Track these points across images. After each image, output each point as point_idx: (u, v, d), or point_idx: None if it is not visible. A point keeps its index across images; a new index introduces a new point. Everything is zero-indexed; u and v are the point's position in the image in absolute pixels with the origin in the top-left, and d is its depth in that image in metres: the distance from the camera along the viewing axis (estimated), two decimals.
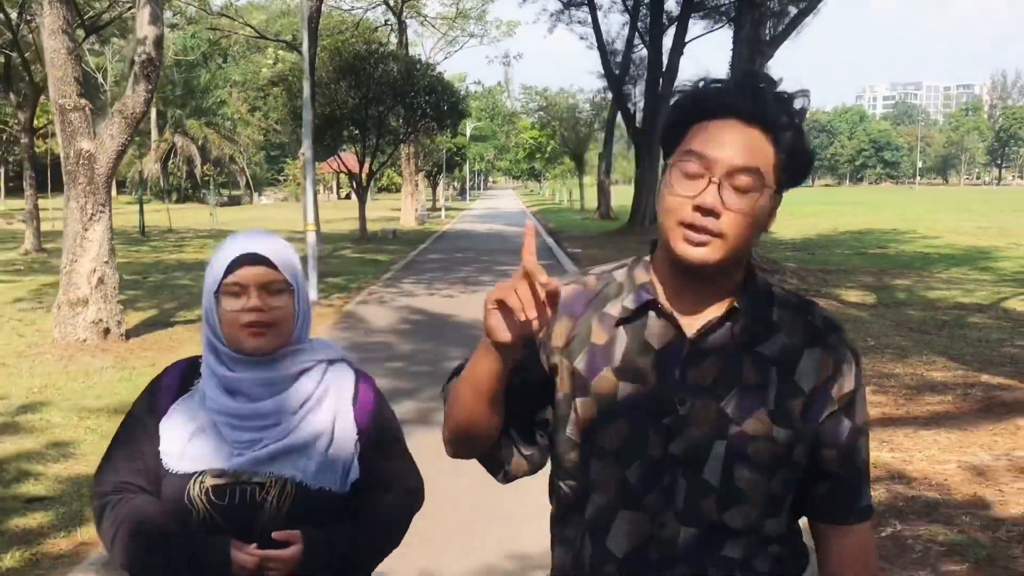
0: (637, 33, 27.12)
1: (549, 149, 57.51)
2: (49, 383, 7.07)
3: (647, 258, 1.38)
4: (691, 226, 1.23)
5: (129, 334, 8.97)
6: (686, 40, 24.34)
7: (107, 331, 8.55)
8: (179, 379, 1.70)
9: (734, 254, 1.26)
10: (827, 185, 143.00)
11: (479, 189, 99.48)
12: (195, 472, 1.57)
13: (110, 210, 8.78)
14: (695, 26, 25.78)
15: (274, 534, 1.54)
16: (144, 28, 8.62)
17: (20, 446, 5.40)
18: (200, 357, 1.69)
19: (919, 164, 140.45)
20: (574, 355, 1.35)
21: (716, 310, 1.31)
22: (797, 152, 1.27)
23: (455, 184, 73.04)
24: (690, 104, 1.29)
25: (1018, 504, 4.38)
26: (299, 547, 1.53)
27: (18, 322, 10.27)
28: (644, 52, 26.73)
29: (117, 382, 7.17)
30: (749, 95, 1.25)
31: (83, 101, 8.57)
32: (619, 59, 28.12)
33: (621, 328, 1.33)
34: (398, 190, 61.53)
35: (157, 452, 1.61)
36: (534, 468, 1.43)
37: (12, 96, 20.31)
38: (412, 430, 5.71)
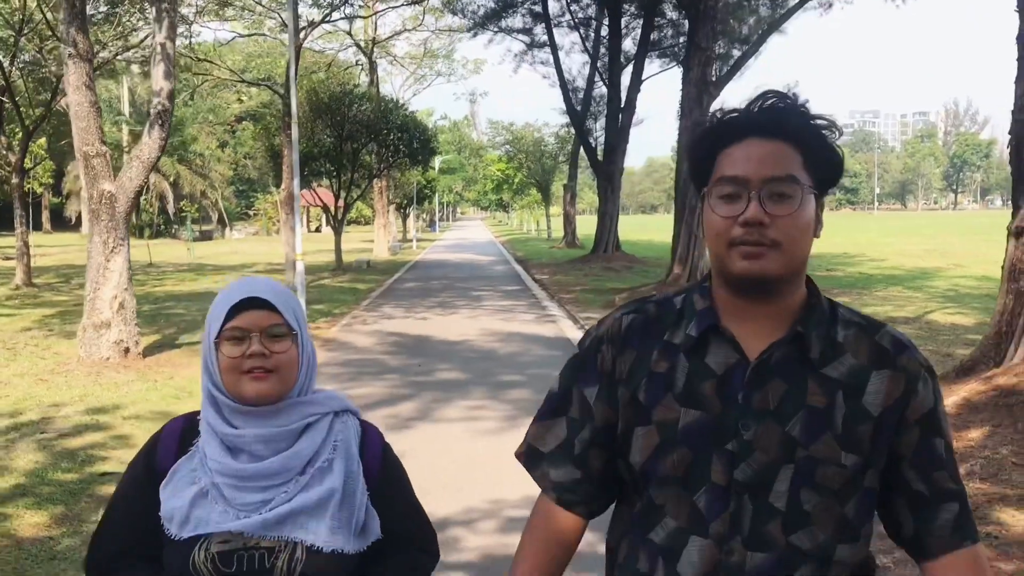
0: (597, 72, 28.66)
1: (516, 180, 59.04)
2: (87, 393, 8.13)
3: (705, 284, 1.39)
4: (743, 243, 1.25)
5: (144, 353, 10.03)
6: (643, 78, 25.87)
7: (127, 350, 9.62)
8: (177, 439, 1.64)
9: (791, 264, 1.27)
10: None
11: (448, 220, 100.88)
12: (199, 538, 1.51)
13: (128, 244, 9.87)
14: (651, 64, 27.36)
15: None
16: (159, 82, 9.80)
17: (87, 439, 6.50)
18: (198, 413, 1.64)
19: (876, 190, 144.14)
20: (635, 385, 1.35)
21: (778, 332, 1.30)
22: (823, 153, 1.29)
23: (424, 216, 74.28)
24: (712, 135, 1.32)
25: None
26: None
27: (35, 347, 11.26)
28: (604, 89, 28.23)
29: (145, 391, 8.25)
30: (764, 112, 1.29)
31: (104, 148, 9.69)
32: (581, 96, 29.67)
33: (682, 355, 1.33)
34: (367, 222, 62.78)
35: (157, 517, 1.55)
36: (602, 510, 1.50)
37: (3, 138, 21.21)
38: (415, 424, 7.00)
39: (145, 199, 55.13)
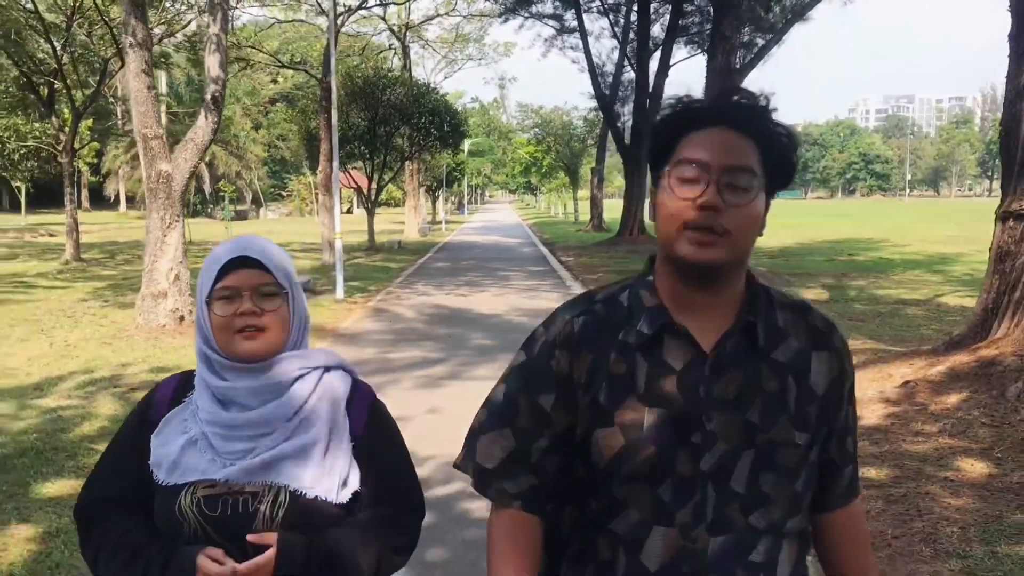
0: (626, 58, 29.13)
1: (545, 164, 59.56)
2: (149, 355, 8.94)
3: (649, 278, 1.40)
4: (696, 228, 1.27)
5: None
6: (670, 64, 26.32)
7: (182, 318, 10.43)
8: (172, 392, 1.69)
9: (739, 253, 1.30)
10: (819, 198, 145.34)
11: (476, 203, 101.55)
12: (185, 484, 1.55)
13: (183, 220, 10.67)
14: (679, 51, 27.79)
15: (249, 537, 1.52)
16: (214, 70, 10.55)
17: None
18: (195, 371, 1.68)
19: (908, 176, 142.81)
20: (595, 388, 1.35)
21: (727, 321, 1.34)
22: (781, 155, 1.32)
23: (453, 198, 75.07)
24: (680, 117, 1.34)
25: (872, 417, 6.25)
26: (272, 550, 1.51)
27: (93, 316, 12.12)
28: (632, 74, 28.71)
29: None
30: (734, 105, 1.32)
31: (161, 131, 10.47)
32: (609, 81, 30.16)
33: (639, 354, 1.34)
34: (396, 204, 63.66)
35: (147, 466, 1.60)
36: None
37: (55, 119, 22.18)
38: (447, 383, 7.69)
39: None
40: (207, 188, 55.70)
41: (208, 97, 10.61)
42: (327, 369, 1.67)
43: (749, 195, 1.28)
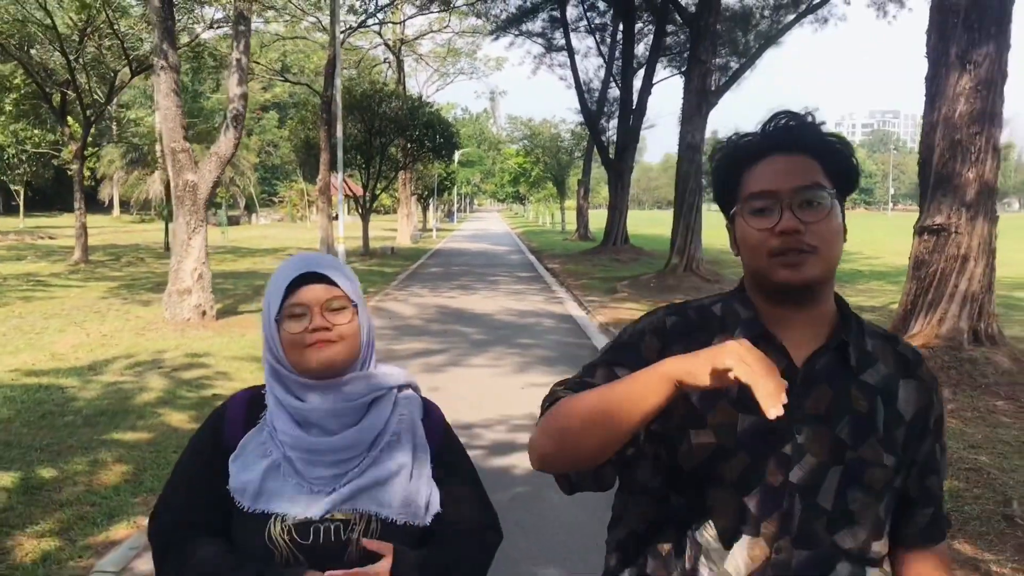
0: (611, 76, 30.50)
1: (533, 174, 60.94)
2: (181, 343, 10.11)
3: (743, 293, 1.43)
4: (782, 252, 1.29)
5: (216, 317, 12.01)
6: (653, 82, 27.65)
7: (204, 313, 11.61)
8: (244, 411, 1.66)
9: (829, 267, 1.32)
10: None
11: (466, 211, 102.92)
12: (273, 512, 1.53)
13: (206, 225, 11.84)
14: (662, 70, 29.17)
15: (365, 541, 1.53)
16: (234, 89, 11.76)
17: (196, 373, 8.48)
18: (263, 387, 1.67)
19: (891, 191, 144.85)
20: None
21: (818, 338, 1.36)
22: (840, 162, 1.35)
23: (443, 206, 76.34)
24: (732, 157, 1.38)
25: None
26: (388, 560, 1.51)
27: (118, 311, 13.24)
28: (617, 91, 30.06)
29: (227, 343, 10.23)
30: (780, 130, 1.35)
31: (187, 144, 11.65)
32: (595, 97, 31.51)
33: None
34: (387, 211, 64.73)
35: (224, 489, 1.57)
36: (607, 487, 1.41)
37: (67, 128, 23.28)
38: (447, 368, 8.94)
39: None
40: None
41: (230, 116, 11.81)
42: (400, 389, 1.68)
43: (824, 208, 1.31)
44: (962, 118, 8.12)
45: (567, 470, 1.36)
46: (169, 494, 1.66)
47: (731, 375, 1.11)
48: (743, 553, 1.33)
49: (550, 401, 1.38)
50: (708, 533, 1.35)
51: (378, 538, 1.53)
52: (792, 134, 1.34)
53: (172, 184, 11.71)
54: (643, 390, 1.21)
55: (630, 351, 1.41)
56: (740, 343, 1.14)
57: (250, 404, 1.66)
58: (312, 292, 1.56)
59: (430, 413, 1.71)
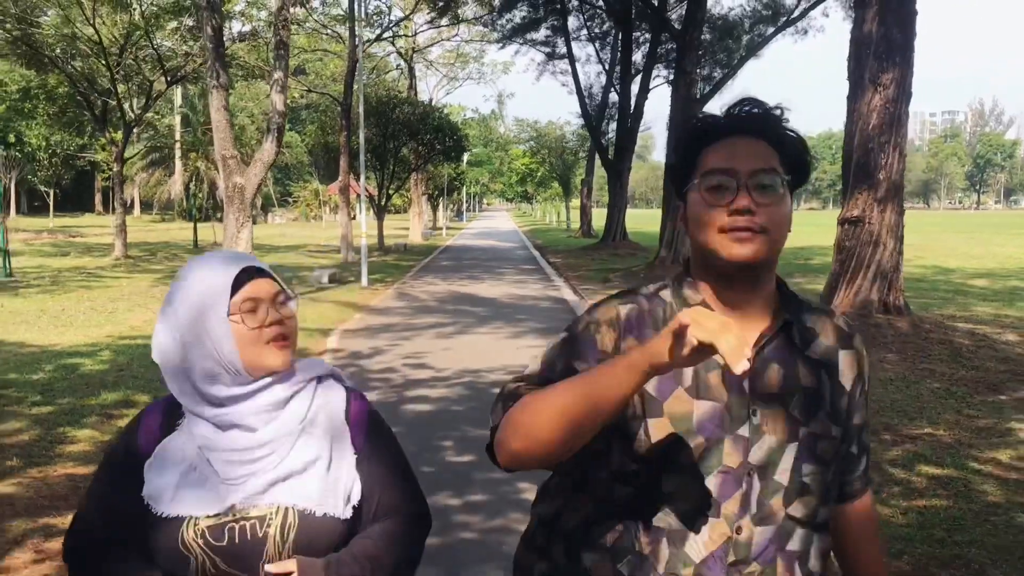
0: (611, 83, 32.47)
1: (539, 174, 62.90)
2: None
3: (688, 279, 1.44)
4: (733, 229, 1.32)
5: None
6: (649, 87, 29.58)
7: None
8: (161, 418, 1.58)
9: (775, 250, 1.36)
10: (812, 208, 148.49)
11: (474, 210, 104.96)
12: (187, 515, 1.46)
13: (252, 221, 13.87)
14: (659, 75, 31.09)
15: (267, 567, 1.46)
16: (279, 106, 13.80)
17: None
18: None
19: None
20: None
21: (763, 319, 1.41)
22: (796, 155, 1.39)
23: (452, 206, 78.30)
24: (696, 134, 1.40)
25: None
26: None
27: None
28: (616, 96, 32.03)
29: None
30: (746, 115, 1.39)
31: (235, 152, 13.68)
32: (595, 102, 33.48)
33: None
34: (398, 211, 66.77)
35: (139, 499, 1.49)
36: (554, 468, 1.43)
37: (108, 132, 25.36)
38: (457, 336, 10.91)
39: (195, 185, 59.67)
40: (219, 195, 58.68)
41: (273, 126, 13.85)
42: (319, 379, 1.61)
43: (778, 194, 1.34)
44: (874, 129, 10.05)
45: (536, 467, 1.32)
46: (83, 512, 1.60)
47: (691, 339, 1.09)
48: (704, 535, 1.35)
49: (512, 399, 1.35)
50: (668, 519, 1.36)
51: (297, 532, 1.48)
52: (756, 120, 1.39)
53: (223, 185, 13.73)
54: (610, 381, 1.19)
55: (587, 344, 1.41)
56: (693, 309, 1.12)
57: (166, 411, 1.58)
58: (260, 286, 1.50)
59: (353, 402, 1.63)
